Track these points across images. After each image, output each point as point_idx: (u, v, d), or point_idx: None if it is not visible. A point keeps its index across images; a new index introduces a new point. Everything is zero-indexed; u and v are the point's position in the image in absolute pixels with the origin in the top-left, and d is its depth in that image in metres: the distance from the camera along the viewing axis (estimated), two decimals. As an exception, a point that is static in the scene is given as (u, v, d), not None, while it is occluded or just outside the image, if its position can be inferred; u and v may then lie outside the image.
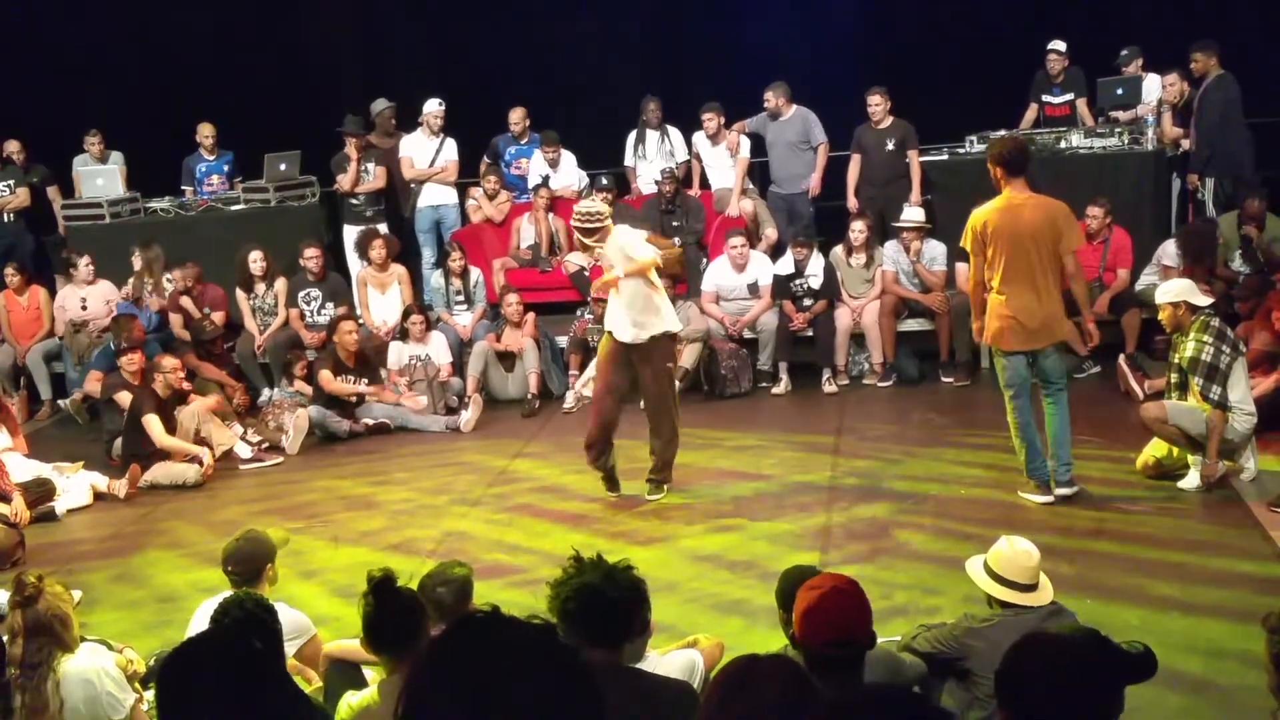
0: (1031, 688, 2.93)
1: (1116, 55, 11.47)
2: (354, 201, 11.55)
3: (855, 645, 3.55)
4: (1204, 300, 7.34)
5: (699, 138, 11.50)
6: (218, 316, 10.78)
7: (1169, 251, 9.62)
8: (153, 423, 8.86)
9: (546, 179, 11.62)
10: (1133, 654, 3.55)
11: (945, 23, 13.17)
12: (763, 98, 11.14)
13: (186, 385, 9.55)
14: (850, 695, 2.87)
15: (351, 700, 4.13)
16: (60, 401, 10.84)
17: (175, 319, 10.79)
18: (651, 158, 11.61)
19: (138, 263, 11.02)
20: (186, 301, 10.72)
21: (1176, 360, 7.29)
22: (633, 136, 11.76)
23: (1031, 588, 4.48)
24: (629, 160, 11.85)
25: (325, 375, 9.74)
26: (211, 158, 12.18)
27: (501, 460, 8.86)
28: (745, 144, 11.29)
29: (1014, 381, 7.05)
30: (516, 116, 11.98)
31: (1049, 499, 7.05)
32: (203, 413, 9.24)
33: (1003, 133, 10.89)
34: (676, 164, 11.45)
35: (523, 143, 12.07)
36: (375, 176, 11.54)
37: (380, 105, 12.01)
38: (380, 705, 3.86)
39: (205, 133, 12.12)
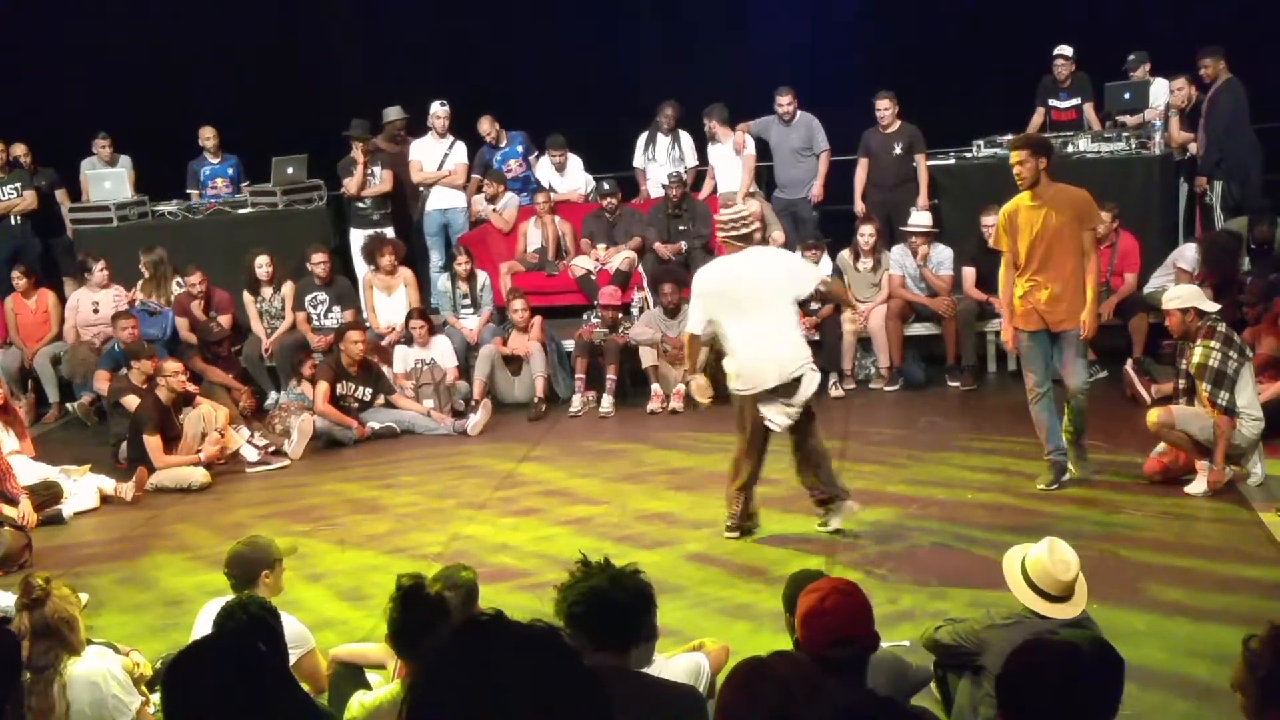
0: (1030, 692, 2.93)
1: (1123, 60, 11.48)
2: (360, 205, 11.56)
3: (856, 645, 3.55)
4: (1211, 306, 7.33)
5: (693, 146, 11.54)
6: (224, 320, 10.81)
7: (1187, 256, 9.60)
8: (153, 445, 8.90)
9: (538, 183, 11.64)
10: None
11: (952, 27, 13.18)
12: (776, 100, 11.14)
13: (192, 387, 9.57)
14: (849, 704, 2.88)
15: (364, 699, 4.13)
16: (68, 405, 10.86)
17: (182, 322, 10.82)
18: (661, 161, 11.61)
19: (146, 270, 11.04)
20: (196, 306, 10.74)
21: (1184, 366, 7.28)
22: (643, 138, 11.76)
23: (1061, 599, 4.38)
24: (638, 161, 11.85)
25: (322, 391, 9.73)
26: (215, 161, 12.20)
27: (508, 464, 8.86)
28: (750, 142, 11.31)
29: None
30: (485, 126, 11.85)
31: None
32: (209, 419, 9.25)
33: (1009, 137, 10.90)
34: (685, 169, 11.45)
35: (503, 146, 12.04)
36: (381, 180, 11.54)
37: (392, 114, 12.01)
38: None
39: (206, 135, 12.15)
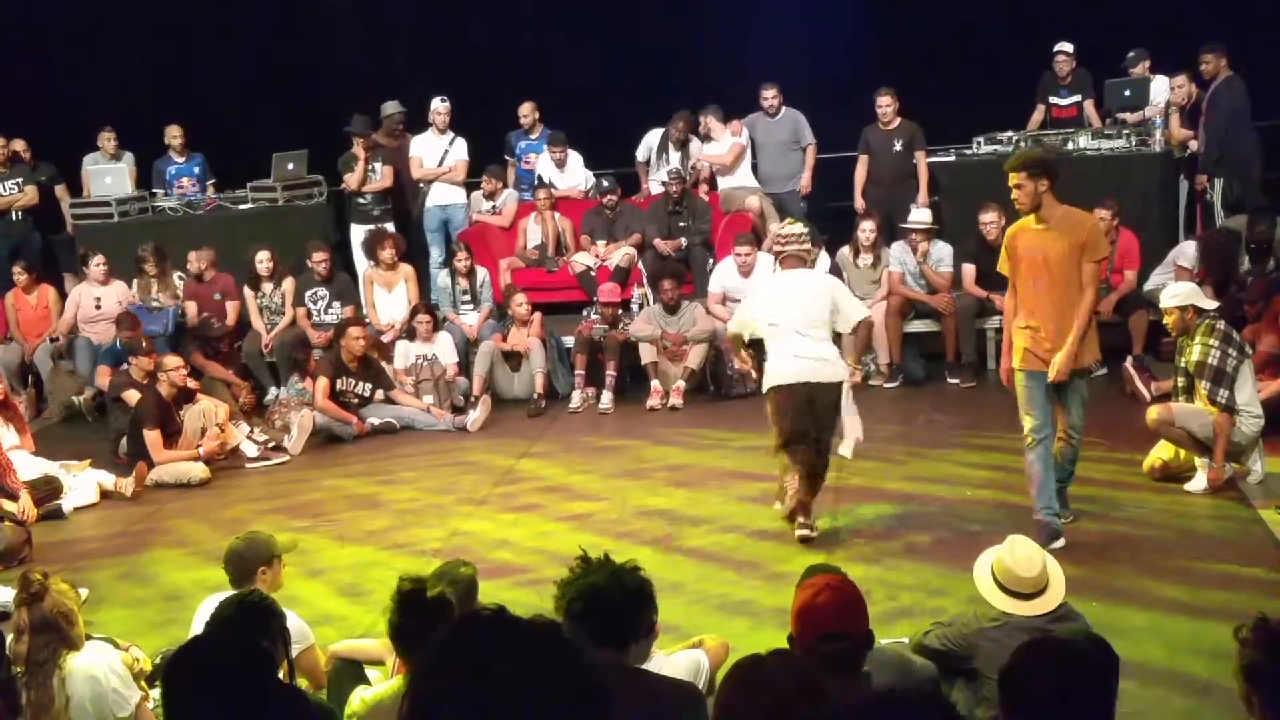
0: (1033, 690, 2.94)
1: (1123, 57, 11.47)
2: (361, 201, 11.56)
3: (849, 639, 3.55)
4: (1210, 303, 7.34)
5: (702, 145, 11.55)
6: (231, 306, 10.82)
7: (1187, 254, 9.59)
8: (153, 440, 8.90)
9: (542, 178, 11.65)
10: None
11: (952, 24, 13.16)
12: (761, 94, 11.19)
13: (192, 383, 9.58)
14: (867, 697, 2.88)
15: (365, 694, 4.13)
16: (74, 398, 10.82)
17: (190, 306, 10.82)
18: (672, 164, 11.60)
19: (152, 266, 11.01)
20: (203, 288, 10.76)
21: (1183, 363, 7.28)
22: (654, 139, 11.74)
23: (1033, 595, 4.43)
24: (642, 154, 11.84)
25: (321, 387, 9.71)
26: (181, 160, 12.20)
27: (507, 460, 8.87)
28: (745, 131, 11.35)
29: None
30: (526, 110, 12.04)
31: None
32: (209, 415, 9.24)
33: (1010, 134, 10.92)
34: (692, 173, 11.46)
35: (533, 137, 12.10)
36: (382, 176, 11.53)
37: (390, 108, 12.02)
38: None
39: (173, 134, 12.16)
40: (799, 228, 7.10)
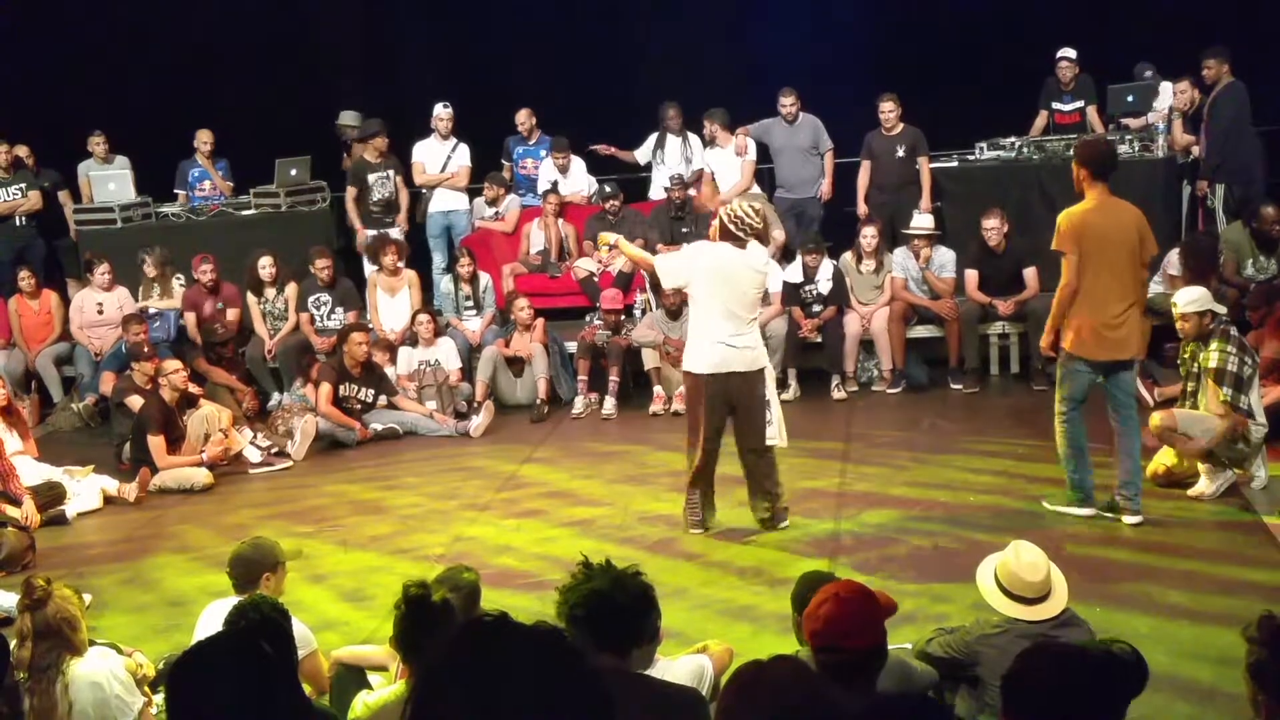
0: (1036, 695, 2.94)
1: (1125, 61, 11.45)
2: (373, 209, 11.56)
3: (861, 649, 3.54)
4: (1221, 308, 7.36)
5: (703, 147, 11.55)
6: (231, 313, 10.82)
7: (1173, 261, 9.60)
8: (156, 445, 8.91)
9: (555, 184, 11.66)
10: (1126, 660, 3.56)
11: (955, 29, 13.16)
12: (779, 101, 11.18)
13: (195, 388, 9.59)
14: (872, 704, 2.88)
15: (368, 699, 4.14)
16: (73, 405, 10.84)
17: (190, 317, 10.83)
18: (672, 164, 11.61)
19: (150, 270, 11.04)
20: (208, 302, 10.76)
21: (1195, 369, 7.26)
22: (653, 140, 11.78)
23: (1038, 600, 4.44)
24: (643, 158, 11.87)
25: (324, 393, 9.71)
26: (207, 165, 12.23)
27: (510, 465, 8.87)
28: (752, 145, 11.34)
29: (1078, 394, 6.79)
30: (522, 116, 12.05)
31: (1090, 512, 6.88)
32: (212, 420, 9.25)
33: (1012, 139, 10.92)
34: (691, 170, 11.47)
35: (530, 143, 12.12)
36: (394, 186, 11.58)
37: (347, 118, 12.04)
38: None
39: (204, 139, 12.18)
40: (758, 207, 7.03)
